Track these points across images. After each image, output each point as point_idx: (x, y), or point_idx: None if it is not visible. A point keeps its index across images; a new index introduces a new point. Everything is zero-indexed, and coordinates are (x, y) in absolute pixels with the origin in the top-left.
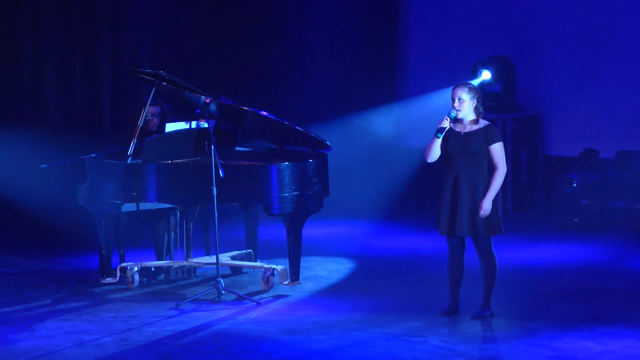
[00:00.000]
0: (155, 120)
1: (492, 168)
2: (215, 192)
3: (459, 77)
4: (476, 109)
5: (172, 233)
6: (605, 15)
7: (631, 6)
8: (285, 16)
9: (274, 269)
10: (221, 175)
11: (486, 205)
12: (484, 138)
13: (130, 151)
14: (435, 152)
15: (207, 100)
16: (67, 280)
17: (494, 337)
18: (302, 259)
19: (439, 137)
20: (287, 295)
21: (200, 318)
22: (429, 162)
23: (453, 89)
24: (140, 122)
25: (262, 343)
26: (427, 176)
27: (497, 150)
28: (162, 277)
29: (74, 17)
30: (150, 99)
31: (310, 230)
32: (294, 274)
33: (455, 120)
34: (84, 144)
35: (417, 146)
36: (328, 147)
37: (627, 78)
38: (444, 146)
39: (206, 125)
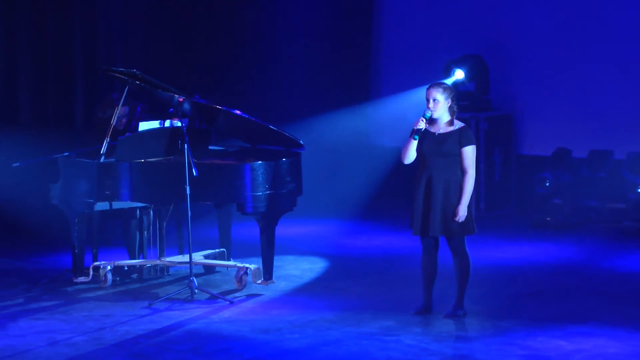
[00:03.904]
0: (123, 120)
1: (462, 170)
2: (188, 191)
3: (433, 76)
4: (450, 109)
5: (145, 232)
6: (579, 15)
7: (605, 6)
8: (259, 15)
9: (247, 268)
10: (194, 174)
11: (462, 212)
12: (457, 139)
13: (103, 150)
14: (411, 154)
15: (181, 99)
16: (40, 279)
17: (466, 336)
18: (275, 258)
19: (415, 139)
20: (260, 295)
21: (173, 317)
22: (405, 164)
23: (427, 89)
24: (114, 121)
25: (235, 342)
26: (401, 175)
27: (469, 153)
28: (135, 276)
29: (46, 15)
30: (123, 98)
31: (284, 229)
32: (267, 273)
33: (430, 120)
34: (57, 142)
35: (390, 145)
36: (302, 146)
37: (600, 77)
38: (418, 146)
39: (179, 124)
